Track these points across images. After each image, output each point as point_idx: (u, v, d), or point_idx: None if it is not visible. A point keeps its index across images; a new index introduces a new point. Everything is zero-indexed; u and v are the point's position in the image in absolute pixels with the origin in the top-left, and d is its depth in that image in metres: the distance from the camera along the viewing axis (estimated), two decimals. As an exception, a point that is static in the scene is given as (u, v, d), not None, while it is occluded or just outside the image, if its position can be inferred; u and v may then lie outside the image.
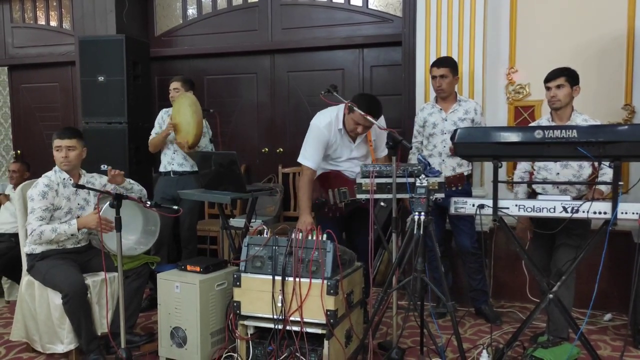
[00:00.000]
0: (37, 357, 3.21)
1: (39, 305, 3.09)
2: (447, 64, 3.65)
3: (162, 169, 4.28)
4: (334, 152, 3.31)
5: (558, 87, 3.16)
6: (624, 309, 3.70)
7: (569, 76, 3.15)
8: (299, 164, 3.35)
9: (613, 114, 3.85)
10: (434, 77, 3.67)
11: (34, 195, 3.07)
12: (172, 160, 4.20)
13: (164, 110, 4.35)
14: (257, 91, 5.29)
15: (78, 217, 3.19)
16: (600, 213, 2.57)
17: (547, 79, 3.21)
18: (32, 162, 5.03)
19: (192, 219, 4.30)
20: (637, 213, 2.51)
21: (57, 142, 3.15)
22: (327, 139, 3.25)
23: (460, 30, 4.00)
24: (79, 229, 3.08)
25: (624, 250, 3.57)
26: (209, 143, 4.26)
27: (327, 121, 3.24)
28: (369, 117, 3.04)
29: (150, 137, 4.26)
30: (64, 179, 3.18)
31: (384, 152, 3.40)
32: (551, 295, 2.73)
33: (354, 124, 3.17)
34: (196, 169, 3.97)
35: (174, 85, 4.24)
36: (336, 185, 3.33)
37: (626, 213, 2.52)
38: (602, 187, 3.11)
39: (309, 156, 3.27)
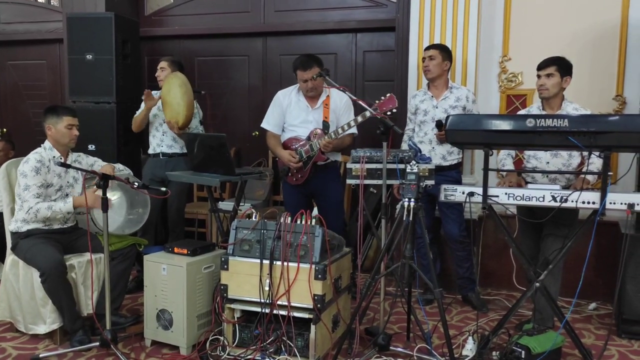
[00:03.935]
0: (20, 337, 3.18)
1: (22, 285, 3.06)
2: (436, 46, 3.67)
3: (151, 150, 4.22)
4: (290, 114, 3.59)
5: (548, 76, 3.13)
6: (609, 298, 3.74)
7: (560, 66, 3.13)
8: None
9: (604, 105, 3.85)
10: (423, 60, 3.66)
11: (27, 171, 3.01)
12: (161, 142, 4.15)
13: (153, 92, 4.28)
14: (248, 74, 5.24)
15: (67, 195, 3.16)
16: (588, 203, 2.58)
17: (539, 67, 3.20)
18: (18, 141, 4.96)
19: (180, 202, 4.26)
20: (625, 203, 2.53)
21: (70, 120, 3.14)
22: (281, 102, 3.61)
23: (455, 17, 3.98)
24: (74, 207, 3.05)
25: (611, 241, 3.60)
26: (199, 125, 4.21)
27: (286, 89, 3.66)
28: (298, 71, 3.44)
29: (135, 116, 4.20)
30: (54, 157, 3.13)
31: (347, 131, 3.40)
32: (538, 284, 2.75)
33: (301, 82, 3.49)
34: (185, 150, 3.93)
35: (162, 64, 4.19)
36: (294, 148, 3.54)
37: (614, 203, 2.54)
38: (589, 177, 3.11)
39: (266, 119, 3.68)
